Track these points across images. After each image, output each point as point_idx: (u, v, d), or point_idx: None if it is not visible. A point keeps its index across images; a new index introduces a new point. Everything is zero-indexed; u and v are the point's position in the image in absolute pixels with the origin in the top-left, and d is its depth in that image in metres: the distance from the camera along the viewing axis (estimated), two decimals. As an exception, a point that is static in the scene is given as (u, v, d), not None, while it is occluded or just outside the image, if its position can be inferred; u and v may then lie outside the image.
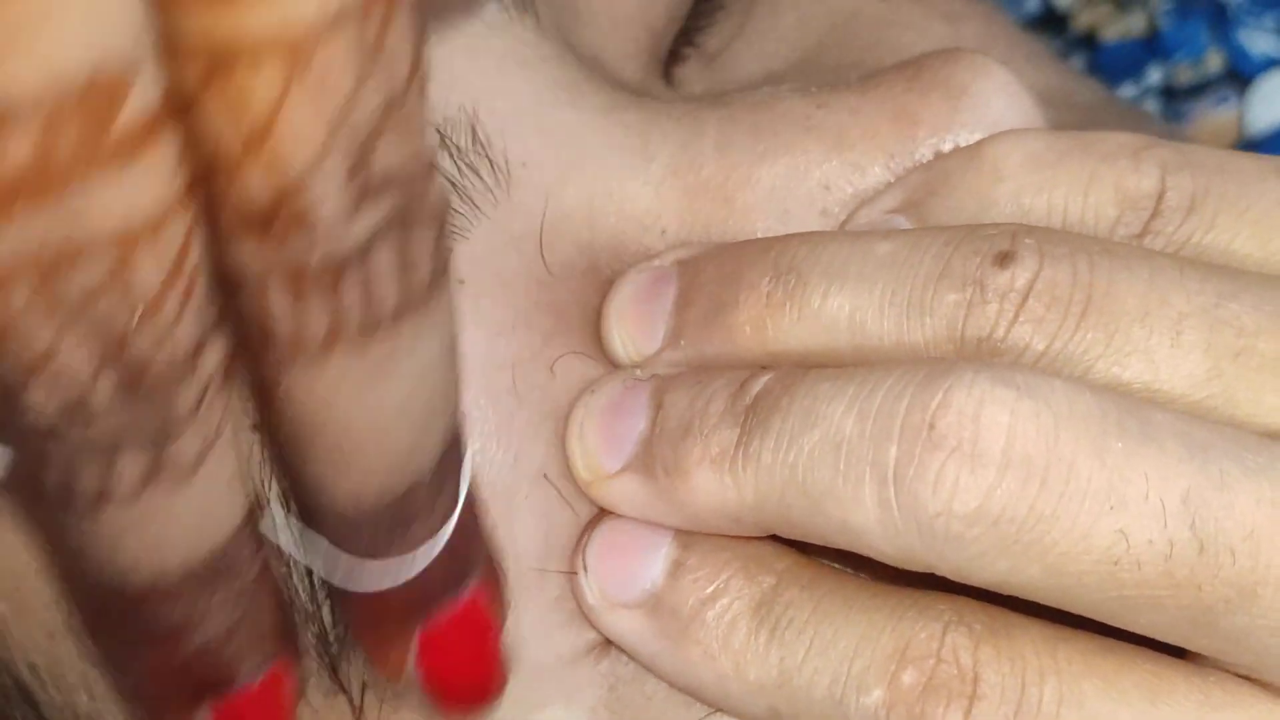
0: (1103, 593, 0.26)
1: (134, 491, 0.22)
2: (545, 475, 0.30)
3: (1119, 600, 0.26)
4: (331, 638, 0.28)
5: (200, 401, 0.21)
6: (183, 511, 0.22)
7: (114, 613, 0.24)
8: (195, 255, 0.20)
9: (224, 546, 0.23)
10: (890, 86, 0.31)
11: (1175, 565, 0.26)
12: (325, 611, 0.28)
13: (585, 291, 0.31)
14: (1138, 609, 0.26)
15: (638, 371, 0.30)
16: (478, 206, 0.30)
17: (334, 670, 0.29)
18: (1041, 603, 0.27)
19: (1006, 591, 0.27)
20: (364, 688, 0.29)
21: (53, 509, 0.22)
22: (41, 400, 0.20)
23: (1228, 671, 0.27)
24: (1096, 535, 0.25)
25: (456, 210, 0.29)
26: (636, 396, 0.30)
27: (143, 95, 0.19)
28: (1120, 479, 0.25)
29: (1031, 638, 0.27)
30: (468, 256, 0.29)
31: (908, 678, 0.27)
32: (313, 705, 0.29)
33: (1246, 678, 0.27)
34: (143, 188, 0.19)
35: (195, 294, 0.21)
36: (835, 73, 0.33)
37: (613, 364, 0.31)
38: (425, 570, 0.25)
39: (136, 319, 0.20)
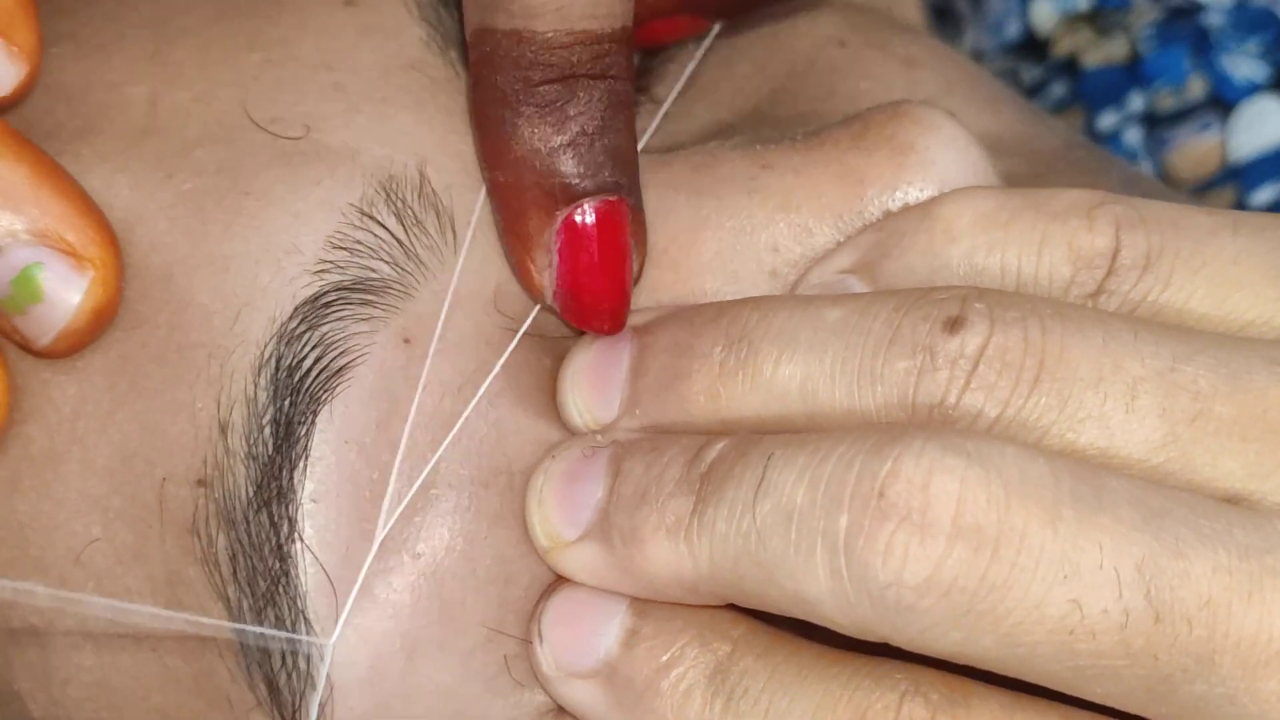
0: (1058, 663, 0.26)
1: None
2: (499, 523, 0.30)
3: (1075, 670, 0.26)
4: (282, 686, 0.29)
5: None
6: None
7: (518, 65, 0.28)
8: None
9: (612, 34, 0.28)
10: (835, 145, 0.31)
11: (1131, 635, 0.25)
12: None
13: (534, 353, 0.31)
14: (1094, 679, 0.26)
15: (597, 437, 0.30)
16: (424, 264, 0.30)
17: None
18: (997, 673, 0.26)
19: (960, 661, 0.26)
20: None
21: None
22: None
23: None
24: (1050, 605, 0.25)
25: (402, 269, 0.29)
26: (594, 464, 0.29)
27: None
28: (1073, 548, 0.25)
29: (989, 707, 0.27)
30: (414, 314, 0.30)
31: None
32: None
33: None
34: None
35: None
36: (787, 123, 0.33)
37: (566, 427, 0.31)
38: (586, 143, 0.28)
39: None
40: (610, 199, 0.29)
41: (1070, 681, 0.26)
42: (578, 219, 0.29)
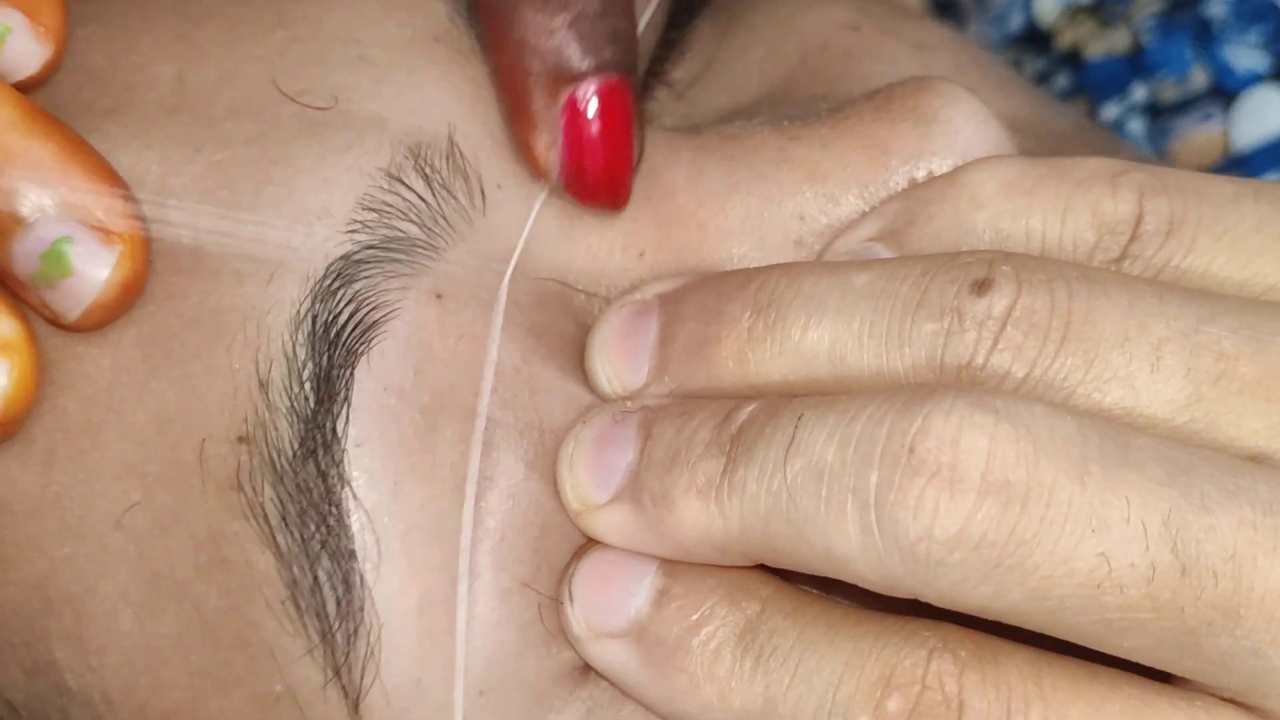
0: (1086, 616, 0.26)
1: None
2: (534, 472, 0.30)
3: (1102, 624, 0.26)
4: (336, 631, 0.29)
5: None
6: None
7: None
8: None
9: None
10: (860, 117, 0.31)
11: (1158, 588, 0.26)
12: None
13: (560, 313, 0.31)
14: (1121, 632, 0.26)
15: (627, 403, 0.30)
16: (453, 227, 0.30)
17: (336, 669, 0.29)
18: (1025, 628, 0.27)
19: (990, 616, 0.27)
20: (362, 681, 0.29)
21: None
22: None
23: (1213, 695, 0.27)
24: (1078, 559, 0.26)
25: (431, 230, 0.30)
26: (625, 428, 0.30)
27: None
28: (1101, 503, 0.26)
29: (1017, 663, 0.27)
30: (445, 274, 0.30)
31: (893, 705, 0.27)
32: (305, 713, 0.30)
33: (1232, 700, 0.27)
34: None
35: None
36: (805, 104, 0.34)
37: (593, 391, 0.31)
38: (588, 23, 0.29)
39: None
40: (612, 78, 0.30)
41: (1098, 635, 0.26)
42: (580, 96, 0.29)
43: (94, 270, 0.29)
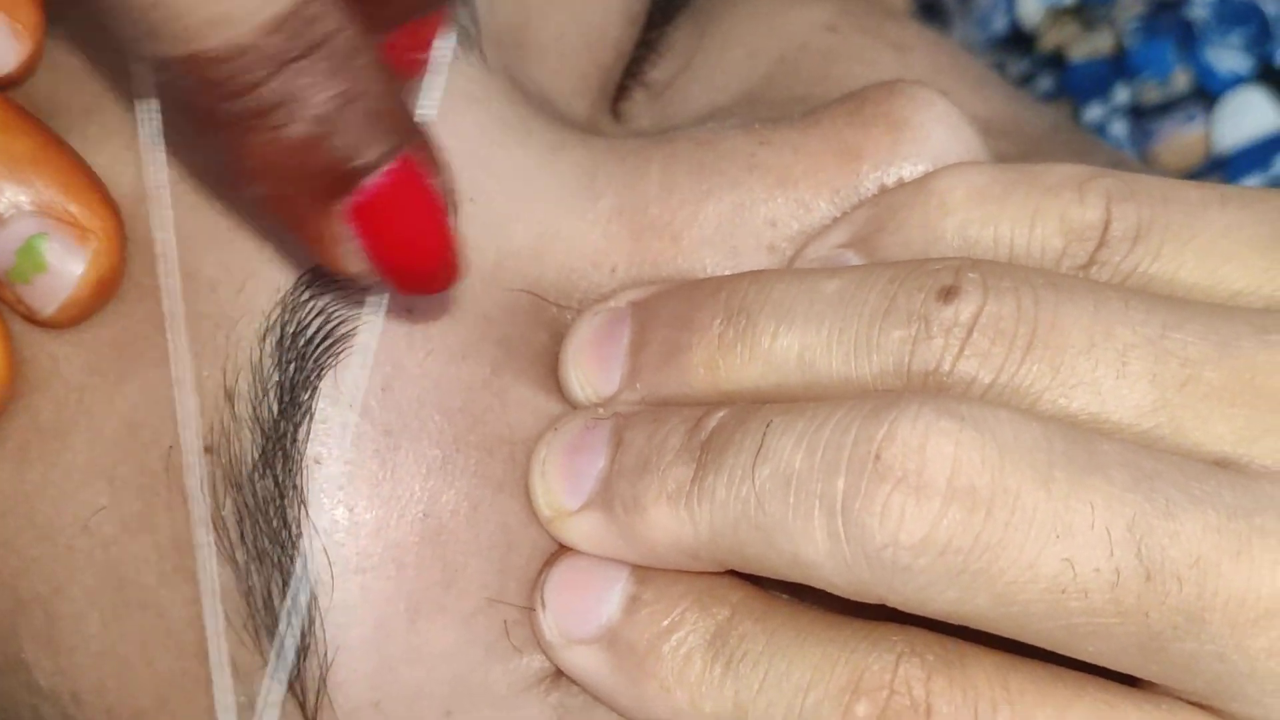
0: (1051, 621, 0.26)
1: None
2: (502, 491, 0.30)
3: (1067, 628, 0.26)
4: (288, 648, 0.29)
5: None
6: None
7: (209, 89, 0.24)
8: None
9: (300, 1, 0.24)
10: (832, 122, 0.31)
11: (1122, 593, 0.26)
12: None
13: (531, 328, 0.31)
14: (1086, 637, 0.26)
15: (599, 410, 0.30)
16: None
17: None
18: (992, 632, 0.27)
19: (956, 621, 0.27)
20: (318, 700, 0.29)
21: None
22: None
23: (1178, 698, 0.27)
24: (1043, 564, 0.26)
25: None
26: (597, 435, 0.30)
27: None
28: (1065, 508, 0.26)
29: (984, 667, 0.27)
30: None
31: (861, 710, 0.27)
32: None
33: (1198, 704, 0.27)
34: None
35: None
36: (781, 106, 0.34)
37: (568, 401, 0.31)
38: (334, 122, 0.24)
39: None
40: (392, 164, 0.25)
41: (1063, 640, 0.26)
42: (361, 200, 0.26)
43: (69, 266, 0.29)
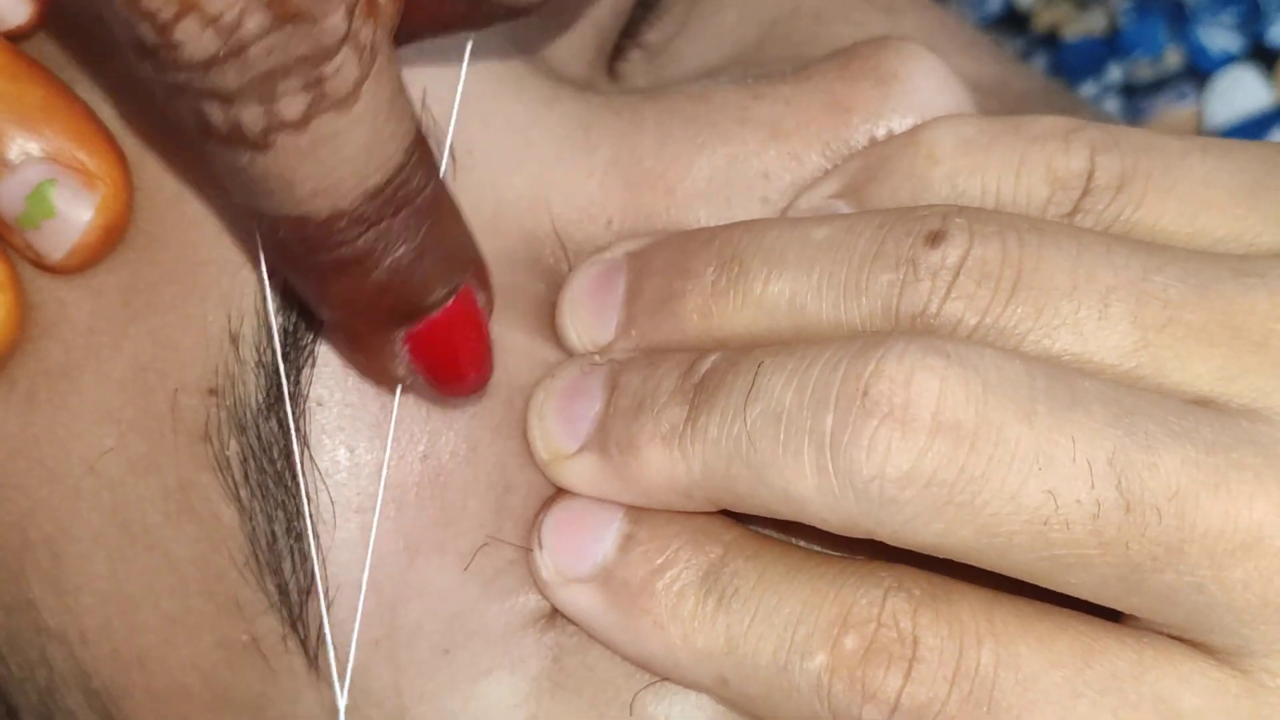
0: (1034, 553, 0.27)
1: (301, 120, 0.24)
2: (500, 434, 0.31)
3: (1049, 560, 0.27)
4: (291, 587, 0.29)
5: (350, 23, 0.24)
6: (352, 137, 0.25)
7: (305, 243, 0.26)
8: None
9: (397, 169, 0.25)
10: (823, 76, 0.32)
11: (1103, 524, 0.26)
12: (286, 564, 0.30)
13: (528, 278, 0.32)
14: (1068, 568, 0.27)
15: (595, 357, 0.31)
16: None
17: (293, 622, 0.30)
18: (976, 565, 0.27)
19: (941, 554, 0.27)
20: (319, 637, 0.30)
21: (230, 148, 0.24)
22: (195, 34, 0.23)
23: (1159, 632, 0.28)
24: (1025, 496, 0.26)
25: None
26: (593, 379, 0.31)
27: None
28: (1047, 441, 0.26)
29: (969, 602, 0.28)
30: None
31: (849, 642, 0.28)
32: (271, 663, 0.30)
33: (1178, 637, 0.28)
34: None
35: None
36: (773, 65, 0.34)
37: (563, 348, 0.32)
38: (411, 270, 0.26)
39: None
40: (449, 303, 0.28)
41: (1045, 572, 0.27)
42: (419, 333, 0.28)
43: (76, 212, 0.30)
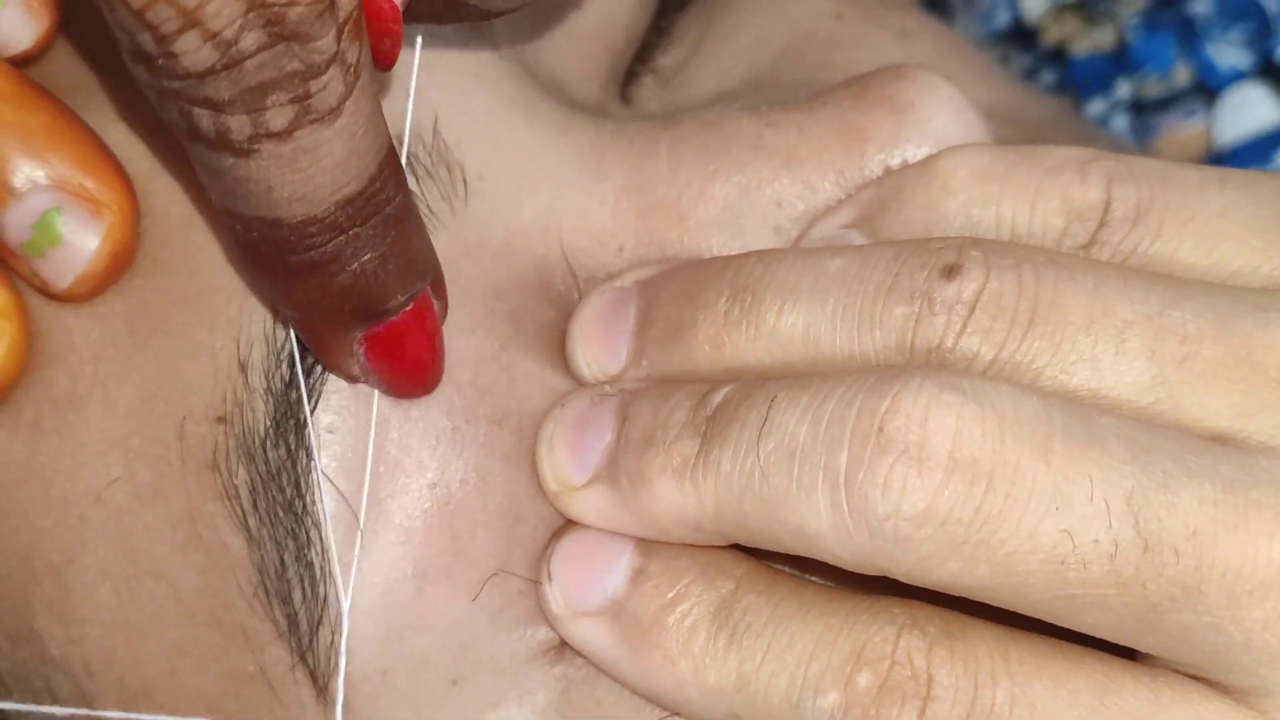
0: (1050, 592, 0.26)
1: (285, 131, 0.25)
2: (510, 463, 0.30)
3: (1066, 600, 0.27)
4: (301, 616, 0.29)
5: (339, 44, 0.25)
6: (331, 149, 0.26)
7: (277, 244, 0.27)
8: None
9: (370, 179, 0.26)
10: (838, 104, 0.32)
11: (1120, 564, 0.26)
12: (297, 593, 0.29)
13: (538, 304, 0.32)
14: (1085, 608, 0.27)
15: (605, 387, 0.31)
16: (435, 215, 0.31)
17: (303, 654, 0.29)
18: (992, 604, 0.27)
19: (957, 593, 0.27)
20: (328, 667, 0.30)
21: (214, 151, 0.25)
22: (194, 48, 0.24)
23: (1176, 671, 0.27)
24: (1042, 535, 0.26)
25: None
26: (603, 410, 0.30)
27: None
28: (1065, 480, 0.26)
29: (984, 639, 0.28)
30: None
31: (863, 680, 0.27)
32: (278, 694, 0.30)
33: (1195, 677, 0.27)
34: None
35: None
36: (787, 91, 0.34)
37: (575, 378, 0.31)
38: (374, 275, 0.27)
39: None
40: (407, 308, 0.28)
41: (1061, 611, 0.27)
42: (379, 332, 0.28)
43: (83, 240, 0.30)
